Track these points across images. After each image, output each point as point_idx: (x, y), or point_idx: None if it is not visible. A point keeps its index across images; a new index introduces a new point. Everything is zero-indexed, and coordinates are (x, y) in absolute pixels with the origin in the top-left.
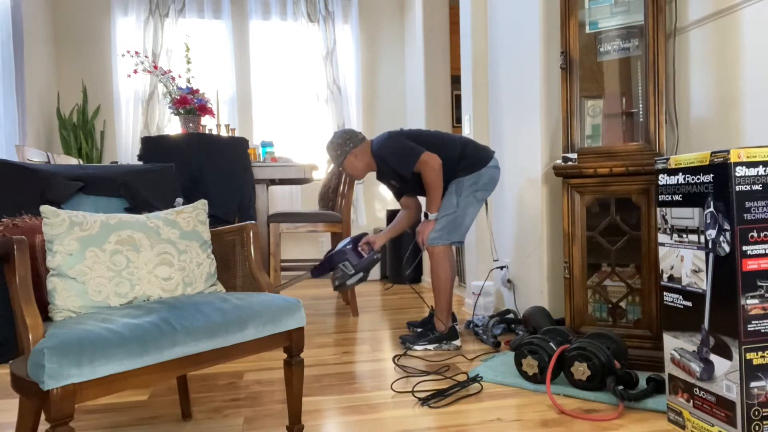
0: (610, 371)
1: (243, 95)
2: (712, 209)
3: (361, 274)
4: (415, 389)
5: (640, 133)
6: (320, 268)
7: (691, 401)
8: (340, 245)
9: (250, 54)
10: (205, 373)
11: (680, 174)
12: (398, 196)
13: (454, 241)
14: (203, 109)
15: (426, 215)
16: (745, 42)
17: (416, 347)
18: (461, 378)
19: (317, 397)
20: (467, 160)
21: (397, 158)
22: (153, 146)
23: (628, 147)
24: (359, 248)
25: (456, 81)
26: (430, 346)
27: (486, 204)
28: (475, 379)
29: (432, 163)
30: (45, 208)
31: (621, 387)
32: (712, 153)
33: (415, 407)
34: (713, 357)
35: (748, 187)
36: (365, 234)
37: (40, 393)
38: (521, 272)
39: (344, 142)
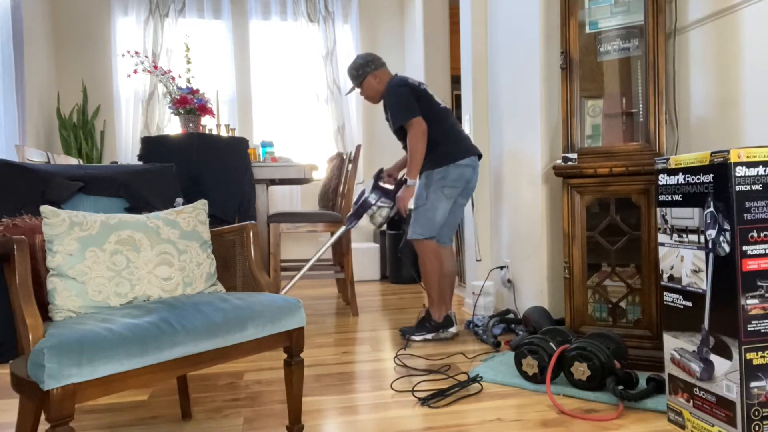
0: (610, 371)
1: (243, 95)
2: (712, 209)
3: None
4: (415, 389)
5: (640, 133)
6: (356, 215)
7: (691, 401)
8: (365, 191)
9: (250, 54)
10: (205, 373)
11: (680, 174)
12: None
13: (431, 236)
14: (203, 109)
15: (405, 181)
16: (745, 42)
17: (415, 337)
18: (462, 378)
19: (317, 397)
20: (437, 152)
21: (394, 106)
22: (153, 146)
23: (628, 147)
24: (383, 184)
25: (456, 81)
26: (429, 336)
27: (472, 201)
28: (475, 379)
29: (417, 129)
30: (45, 208)
31: (621, 387)
32: (712, 153)
33: (415, 407)
34: (713, 357)
35: (748, 187)
36: (381, 169)
37: (40, 393)
38: (521, 272)
39: (366, 63)
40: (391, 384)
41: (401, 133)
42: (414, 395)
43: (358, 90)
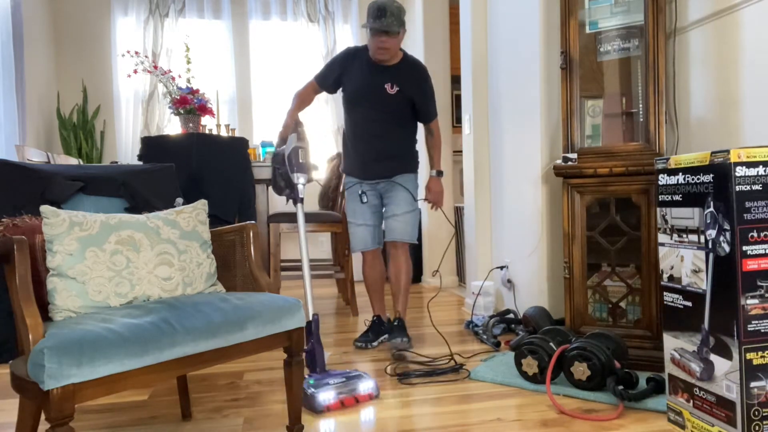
0: (610, 371)
1: (243, 95)
2: (712, 209)
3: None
4: (403, 374)
5: (640, 133)
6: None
7: (691, 401)
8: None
9: (250, 54)
10: (205, 373)
11: (680, 174)
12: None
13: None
14: (203, 109)
15: (439, 173)
16: (745, 42)
17: (410, 347)
18: (457, 373)
19: None
20: (415, 153)
21: (432, 96)
22: (153, 146)
23: (628, 147)
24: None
25: (456, 81)
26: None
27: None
28: (457, 369)
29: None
30: (45, 208)
31: (621, 387)
32: (712, 153)
33: (416, 407)
34: (713, 357)
35: (748, 187)
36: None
37: (40, 393)
38: (521, 272)
39: (404, 19)
40: (385, 368)
41: (404, 112)
42: (394, 371)
43: (375, 36)
